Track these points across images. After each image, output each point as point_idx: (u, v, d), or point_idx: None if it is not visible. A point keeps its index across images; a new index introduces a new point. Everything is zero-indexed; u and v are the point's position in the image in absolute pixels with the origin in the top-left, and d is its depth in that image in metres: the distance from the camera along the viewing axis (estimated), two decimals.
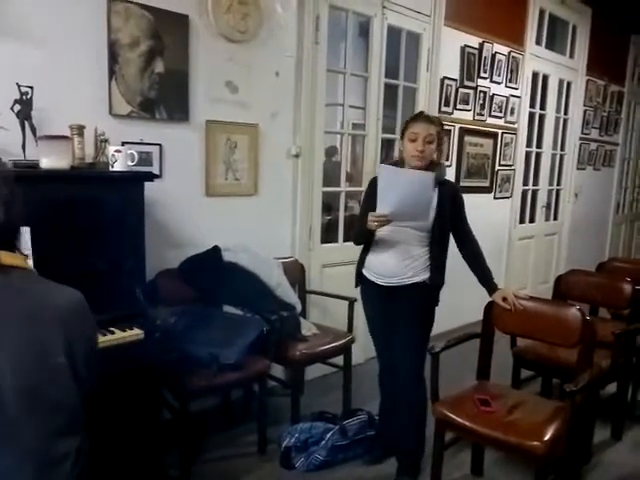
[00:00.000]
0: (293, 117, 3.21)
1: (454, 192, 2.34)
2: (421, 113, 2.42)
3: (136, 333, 1.96)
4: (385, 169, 2.27)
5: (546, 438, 1.92)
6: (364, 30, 3.71)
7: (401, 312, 2.31)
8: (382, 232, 2.27)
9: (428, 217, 2.15)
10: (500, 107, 4.65)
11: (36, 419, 1.03)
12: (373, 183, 2.32)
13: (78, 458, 1.13)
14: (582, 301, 2.89)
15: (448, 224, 2.29)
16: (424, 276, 2.29)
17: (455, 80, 4.16)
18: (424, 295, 2.30)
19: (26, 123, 2.07)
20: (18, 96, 2.05)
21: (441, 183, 2.29)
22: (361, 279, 2.43)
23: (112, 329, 1.94)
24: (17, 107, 2.05)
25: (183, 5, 2.63)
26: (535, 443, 1.91)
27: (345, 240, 3.58)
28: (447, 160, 4.20)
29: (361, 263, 2.42)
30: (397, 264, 2.28)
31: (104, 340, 1.88)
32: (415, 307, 2.29)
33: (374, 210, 2.18)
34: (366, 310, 2.48)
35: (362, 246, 2.42)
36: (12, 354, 1.02)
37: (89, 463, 1.20)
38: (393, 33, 3.69)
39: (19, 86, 2.04)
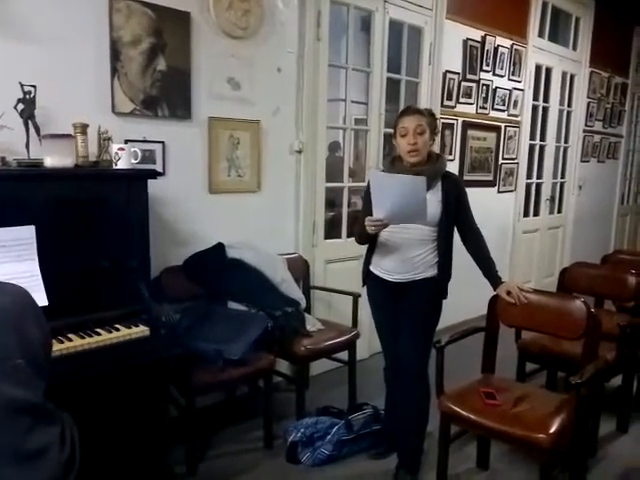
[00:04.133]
0: (295, 113, 3.20)
1: (458, 185, 2.32)
2: (409, 107, 2.39)
3: (141, 330, 1.97)
4: (376, 175, 2.25)
5: (552, 431, 1.92)
6: (366, 25, 3.70)
7: (409, 308, 2.29)
8: (389, 231, 2.25)
9: (426, 218, 2.12)
10: (503, 100, 4.63)
11: (3, 422, 1.01)
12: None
13: (63, 444, 1.12)
14: (587, 294, 2.88)
15: (453, 216, 2.28)
16: (433, 271, 2.28)
17: (457, 74, 4.15)
18: (433, 290, 2.30)
19: (30, 122, 2.07)
20: (21, 95, 2.04)
21: (444, 176, 2.28)
22: (368, 277, 2.42)
23: (117, 326, 1.95)
24: (20, 106, 2.05)
25: (184, 2, 2.63)
26: (541, 436, 1.91)
27: (349, 236, 3.58)
28: (450, 154, 4.20)
29: (368, 262, 2.41)
30: (407, 261, 2.27)
31: (110, 337, 1.89)
32: (423, 302, 2.28)
33: (372, 212, 2.17)
34: (373, 307, 2.46)
35: (367, 245, 2.40)
36: None
37: (89, 454, 1.20)
38: (395, 27, 3.68)
39: (22, 85, 2.04)
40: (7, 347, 1.04)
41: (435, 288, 2.29)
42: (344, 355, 3.00)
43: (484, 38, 4.30)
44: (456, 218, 2.30)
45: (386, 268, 2.33)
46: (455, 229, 2.34)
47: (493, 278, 2.34)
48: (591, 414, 2.51)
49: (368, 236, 2.28)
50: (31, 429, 1.05)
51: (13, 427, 1.02)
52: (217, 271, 2.71)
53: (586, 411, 2.17)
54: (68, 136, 2.10)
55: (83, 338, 1.84)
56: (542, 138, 5.31)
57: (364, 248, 2.44)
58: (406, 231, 2.24)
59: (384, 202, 2.12)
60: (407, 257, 2.27)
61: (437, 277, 2.28)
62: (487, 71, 4.40)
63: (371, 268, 2.39)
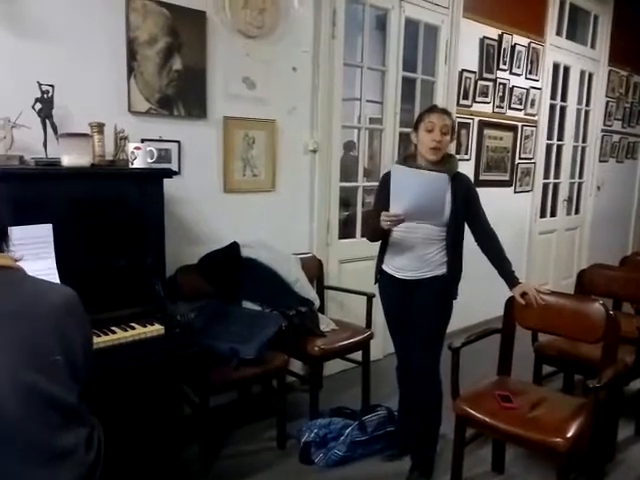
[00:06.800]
0: (310, 112, 3.20)
1: (467, 185, 2.32)
2: (435, 105, 2.43)
3: (157, 328, 1.98)
4: (399, 170, 2.23)
5: (569, 435, 1.89)
6: (381, 23, 3.68)
7: (419, 306, 2.29)
8: (399, 229, 2.26)
9: (443, 216, 2.14)
10: (520, 99, 4.58)
11: (35, 417, 1.02)
12: (385, 180, 2.30)
13: (89, 446, 1.13)
14: (605, 296, 2.84)
15: (463, 217, 2.28)
16: (442, 270, 2.28)
17: (474, 72, 4.11)
18: (442, 288, 2.29)
19: (47, 121, 2.09)
20: (39, 94, 2.06)
21: (454, 176, 2.28)
22: (380, 275, 2.43)
23: (133, 324, 1.96)
24: (38, 105, 2.07)
25: (200, 1, 2.63)
26: (558, 440, 1.88)
27: (363, 235, 3.56)
28: (466, 154, 4.16)
29: (380, 259, 2.42)
30: (416, 259, 2.28)
31: (125, 335, 1.90)
32: (433, 301, 2.28)
33: (386, 207, 2.16)
34: (384, 305, 2.47)
35: (380, 243, 2.41)
36: (7, 355, 1.01)
37: (105, 451, 1.21)
38: (411, 26, 3.65)
39: (40, 85, 2.05)
40: (49, 342, 1.06)
41: (444, 286, 2.29)
42: (358, 355, 2.98)
43: (501, 36, 4.26)
44: (467, 218, 2.30)
45: (397, 266, 2.34)
46: (468, 229, 2.33)
47: (509, 279, 2.31)
48: (609, 418, 2.47)
49: (382, 232, 2.28)
50: (60, 427, 1.07)
51: (43, 422, 1.04)
52: (231, 270, 2.72)
53: (604, 415, 2.14)
54: (85, 135, 2.11)
55: (99, 336, 1.85)
56: (559, 138, 5.25)
57: (378, 248, 2.43)
58: (415, 230, 2.25)
59: (404, 197, 2.11)
60: (416, 255, 2.27)
61: (446, 275, 2.28)
62: (504, 70, 4.35)
63: (383, 266, 2.40)
